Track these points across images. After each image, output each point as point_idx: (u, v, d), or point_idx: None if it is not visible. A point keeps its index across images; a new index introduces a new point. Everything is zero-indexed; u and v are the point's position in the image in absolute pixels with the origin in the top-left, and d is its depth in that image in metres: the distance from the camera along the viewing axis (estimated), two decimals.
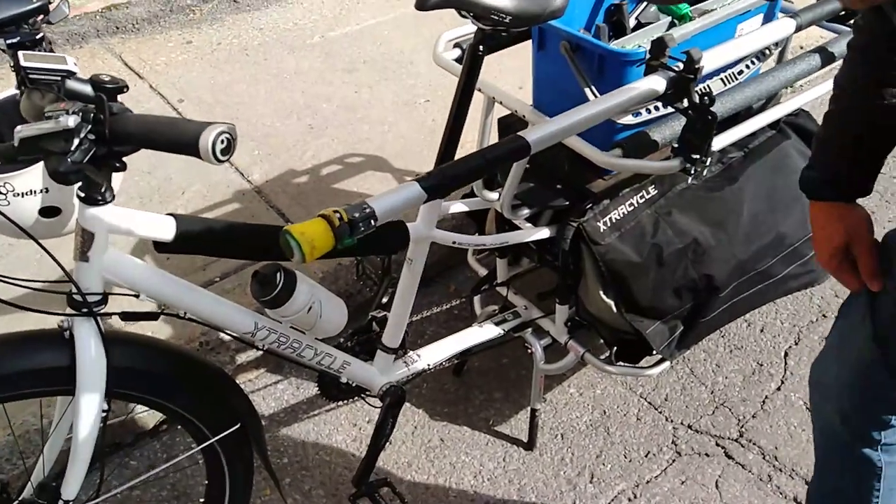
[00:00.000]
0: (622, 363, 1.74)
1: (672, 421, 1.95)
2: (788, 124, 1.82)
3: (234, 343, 1.98)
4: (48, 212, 1.35)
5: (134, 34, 3.06)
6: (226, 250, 1.24)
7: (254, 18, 3.20)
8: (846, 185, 1.13)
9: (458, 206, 1.62)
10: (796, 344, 2.12)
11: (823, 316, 2.18)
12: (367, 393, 1.65)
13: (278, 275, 1.31)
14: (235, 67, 2.92)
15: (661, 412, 1.98)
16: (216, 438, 1.32)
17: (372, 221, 1.02)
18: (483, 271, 1.97)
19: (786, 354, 2.09)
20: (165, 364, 1.25)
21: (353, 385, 1.59)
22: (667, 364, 1.73)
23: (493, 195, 1.62)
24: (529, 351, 1.81)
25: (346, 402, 1.87)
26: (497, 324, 1.81)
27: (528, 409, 1.98)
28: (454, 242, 1.51)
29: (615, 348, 1.73)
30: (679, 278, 1.64)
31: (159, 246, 1.18)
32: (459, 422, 1.96)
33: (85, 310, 1.12)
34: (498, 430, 1.95)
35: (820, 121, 1.20)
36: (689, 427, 1.94)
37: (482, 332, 1.79)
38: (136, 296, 1.18)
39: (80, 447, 1.19)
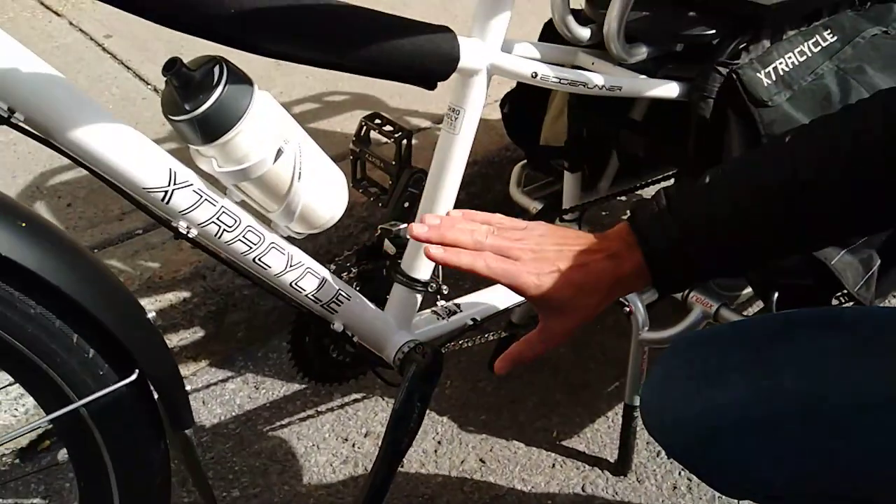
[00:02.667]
0: None
1: None
2: None
3: (150, 292, 1.27)
4: None
5: None
6: None
7: None
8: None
9: (526, 48, 0.98)
10: None
11: None
12: (379, 364, 0.97)
13: (217, 69, 0.66)
14: None
15: None
16: (84, 401, 0.63)
17: None
18: (535, 206, 1.32)
19: None
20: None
21: (353, 343, 0.91)
22: None
23: (585, 31, 0.98)
24: (627, 310, 1.15)
25: (335, 384, 1.13)
26: None
27: (610, 413, 1.31)
28: (534, 75, 0.86)
29: (776, 295, 1.07)
30: None
31: None
32: (506, 435, 1.27)
33: None
34: (568, 447, 1.26)
35: None
36: None
37: None
38: None
39: None
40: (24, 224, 0.59)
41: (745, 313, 1.11)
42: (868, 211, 0.63)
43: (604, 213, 1.69)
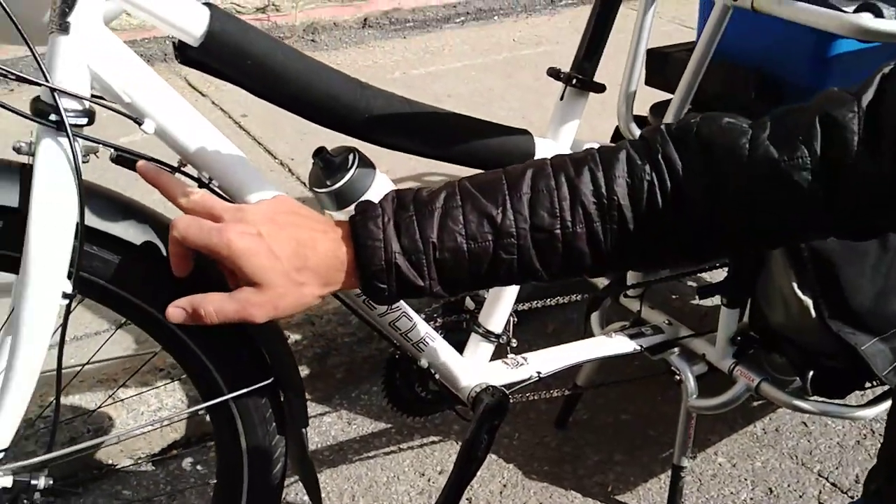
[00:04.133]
0: (819, 398, 1.21)
1: None
2: None
3: None
4: None
5: None
6: (280, 87, 0.82)
7: (330, 55, 2.96)
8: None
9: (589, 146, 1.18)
10: None
11: None
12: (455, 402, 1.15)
13: (351, 157, 0.88)
14: None
15: (853, 497, 1.40)
16: (233, 395, 0.84)
17: None
18: (603, 281, 1.49)
19: None
20: None
21: (436, 380, 1.10)
22: (887, 404, 1.19)
23: None
24: (677, 378, 1.29)
25: (416, 419, 1.31)
26: (632, 337, 1.31)
27: (663, 475, 1.43)
28: None
29: (811, 374, 1.20)
30: None
31: (182, 52, 0.77)
32: (565, 485, 1.42)
33: (54, 118, 0.68)
34: (620, 501, 1.39)
35: None
36: None
37: (611, 344, 1.29)
38: (138, 122, 0.76)
39: (20, 358, 0.72)
40: None
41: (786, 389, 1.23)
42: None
43: (673, 296, 1.84)
